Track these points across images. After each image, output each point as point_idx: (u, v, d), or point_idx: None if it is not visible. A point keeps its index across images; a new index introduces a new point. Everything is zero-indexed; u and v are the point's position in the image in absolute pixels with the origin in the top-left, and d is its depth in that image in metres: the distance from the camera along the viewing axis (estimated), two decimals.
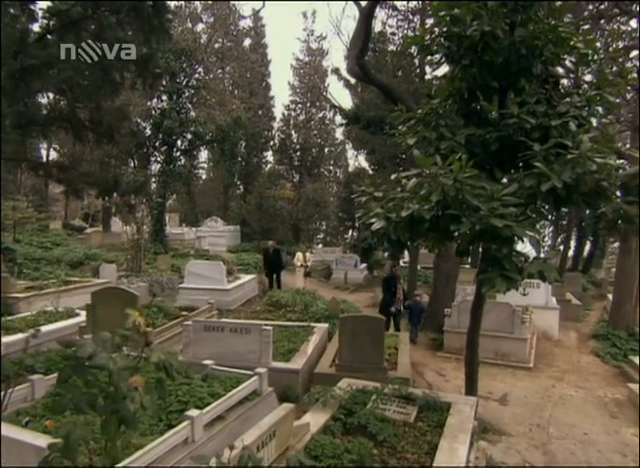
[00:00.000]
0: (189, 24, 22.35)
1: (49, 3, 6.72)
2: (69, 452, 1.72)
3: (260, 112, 34.99)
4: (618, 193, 5.32)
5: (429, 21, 6.70)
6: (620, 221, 5.02)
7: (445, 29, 6.17)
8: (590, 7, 15.19)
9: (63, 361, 6.80)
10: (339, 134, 35.70)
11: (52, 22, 6.43)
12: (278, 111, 37.05)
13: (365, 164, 31.77)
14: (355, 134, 24.78)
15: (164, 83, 18.43)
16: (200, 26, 23.18)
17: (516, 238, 4.78)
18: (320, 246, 34.55)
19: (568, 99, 6.16)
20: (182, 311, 11.08)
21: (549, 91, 6.24)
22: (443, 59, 6.51)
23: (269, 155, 37.71)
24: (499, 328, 10.81)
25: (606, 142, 5.91)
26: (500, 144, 5.93)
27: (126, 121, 8.39)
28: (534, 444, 6.96)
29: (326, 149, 38.50)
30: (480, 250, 5.84)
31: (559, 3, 6.04)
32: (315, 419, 5.43)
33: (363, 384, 6.33)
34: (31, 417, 4.93)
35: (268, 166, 38.04)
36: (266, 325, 8.15)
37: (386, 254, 24.68)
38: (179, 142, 20.39)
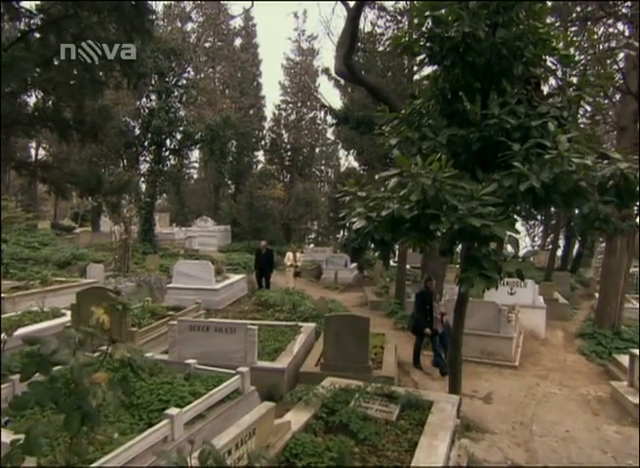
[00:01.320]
0: (179, 24, 22.30)
1: (31, 3, 6.71)
2: (30, 449, 1.73)
3: (250, 112, 34.97)
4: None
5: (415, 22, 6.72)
6: (596, 221, 5.07)
7: (427, 30, 6.23)
8: (578, 9, 15.33)
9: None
10: (330, 134, 35.75)
11: (32, 21, 6.41)
12: (269, 111, 37.13)
13: (356, 164, 31.86)
14: (345, 134, 24.84)
15: (153, 82, 18.40)
16: (190, 26, 23.20)
17: (496, 237, 4.82)
18: (312, 246, 34.58)
19: (551, 100, 6.25)
20: (170, 311, 11.07)
21: (530, 91, 6.31)
22: (426, 60, 6.59)
23: (260, 155, 37.75)
24: (485, 327, 10.87)
25: (588, 142, 6.00)
26: (481, 144, 5.99)
27: (110, 120, 8.37)
28: (516, 441, 7.02)
29: (317, 149, 38.57)
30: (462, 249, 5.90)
31: (540, 5, 6.07)
32: (297, 418, 5.45)
33: (346, 383, 6.36)
34: (11, 417, 4.92)
35: (259, 165, 38.07)
36: (252, 324, 8.17)
37: (376, 254, 24.73)
38: (168, 142, 20.35)
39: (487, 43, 5.85)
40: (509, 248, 5.91)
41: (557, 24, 17.99)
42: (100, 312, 2.06)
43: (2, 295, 10.57)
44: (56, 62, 6.27)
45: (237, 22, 36.91)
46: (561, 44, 6.47)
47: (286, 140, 34.84)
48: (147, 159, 20.69)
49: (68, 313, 9.49)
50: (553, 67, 6.75)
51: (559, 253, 30.11)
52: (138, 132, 19.87)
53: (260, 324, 10.88)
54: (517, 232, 4.98)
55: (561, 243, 30.42)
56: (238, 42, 36.81)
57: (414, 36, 6.38)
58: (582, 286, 23.87)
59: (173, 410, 4.41)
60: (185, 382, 5.36)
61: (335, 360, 7.93)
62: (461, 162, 6.28)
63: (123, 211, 14.64)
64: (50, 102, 7.34)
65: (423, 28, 6.29)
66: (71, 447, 1.93)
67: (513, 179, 5.12)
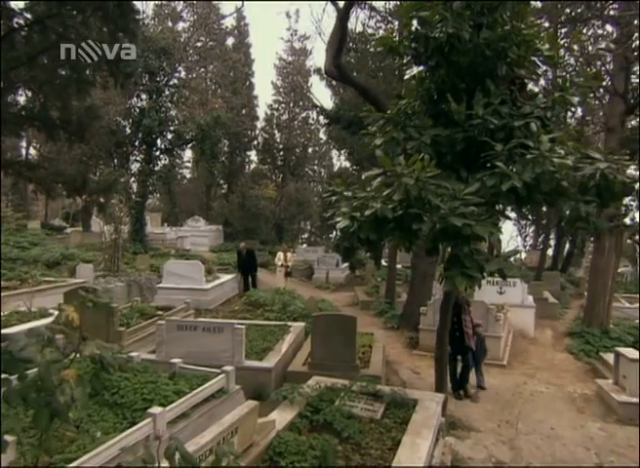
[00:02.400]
0: (169, 23, 22.25)
1: (16, 2, 6.69)
2: None
3: (243, 111, 34.91)
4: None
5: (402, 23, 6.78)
6: (577, 220, 5.13)
7: (412, 31, 6.27)
8: (568, 10, 15.43)
9: None
10: (322, 134, 35.76)
11: (16, 20, 6.40)
12: (262, 111, 37.07)
13: (348, 164, 31.88)
14: (336, 134, 24.87)
15: (143, 82, 18.35)
16: (181, 25, 23.17)
17: (478, 236, 4.86)
18: (304, 245, 34.59)
19: (536, 101, 6.30)
20: (159, 310, 11.06)
21: (515, 92, 6.36)
22: (412, 61, 6.63)
23: (253, 155, 37.71)
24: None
25: (571, 143, 6.07)
26: (466, 144, 6.03)
27: (97, 120, 8.36)
28: (501, 439, 7.07)
29: (310, 149, 38.56)
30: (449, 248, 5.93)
31: (523, 5, 6.12)
32: (281, 416, 5.48)
33: (331, 382, 6.40)
34: None
35: (252, 165, 38.05)
36: (239, 324, 8.18)
37: (367, 254, 24.79)
38: (159, 141, 20.30)
39: (471, 44, 5.90)
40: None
41: (547, 26, 18.13)
42: (70, 310, 2.07)
43: None
44: (42, 61, 6.25)
45: (229, 22, 36.91)
46: (546, 45, 6.51)
47: (278, 140, 34.82)
48: (138, 159, 20.65)
49: (56, 313, 9.45)
50: (541, 68, 6.81)
51: (550, 252, 30.35)
52: (128, 131, 19.81)
53: (249, 323, 10.92)
54: (499, 231, 5.02)
55: (553, 243, 30.63)
56: (230, 41, 36.79)
57: (399, 37, 6.43)
58: (573, 285, 24.03)
59: (155, 409, 4.42)
60: (170, 381, 5.37)
61: (322, 359, 7.95)
62: (447, 162, 6.33)
63: (114, 210, 14.60)
64: (37, 102, 7.32)
65: (409, 29, 6.34)
66: (40, 443, 1.94)
67: (496, 179, 5.17)
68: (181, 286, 13.89)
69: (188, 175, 42.22)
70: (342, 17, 10.41)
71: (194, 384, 5.36)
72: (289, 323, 10.79)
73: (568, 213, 5.11)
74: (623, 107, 13.44)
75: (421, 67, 6.54)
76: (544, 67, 7.03)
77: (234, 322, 8.46)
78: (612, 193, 5.04)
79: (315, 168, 41.49)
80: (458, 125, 6.17)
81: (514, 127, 5.75)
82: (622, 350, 8.63)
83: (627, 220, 18.12)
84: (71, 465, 3.31)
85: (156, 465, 1.86)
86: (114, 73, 7.14)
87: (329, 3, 12.74)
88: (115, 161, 20.38)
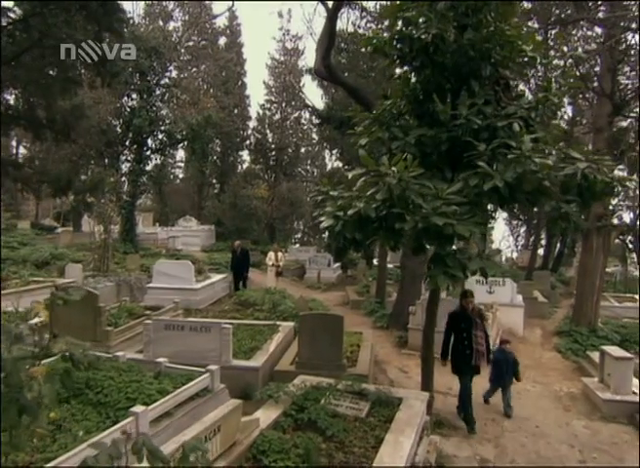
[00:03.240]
0: (160, 23, 22.20)
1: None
2: None
3: (235, 111, 34.88)
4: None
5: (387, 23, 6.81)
6: (559, 220, 5.18)
7: (397, 31, 6.31)
8: (557, 11, 15.54)
9: None
10: (315, 134, 35.75)
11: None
12: (254, 111, 37.04)
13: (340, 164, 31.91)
14: (327, 133, 24.90)
15: (134, 81, 18.29)
16: (172, 25, 23.13)
17: (459, 235, 4.89)
18: (297, 245, 34.58)
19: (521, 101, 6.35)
20: (148, 310, 11.05)
21: (499, 92, 6.41)
22: (397, 61, 6.67)
23: (245, 154, 37.66)
24: None
25: (555, 143, 6.13)
26: (450, 144, 6.08)
27: (84, 119, 8.34)
28: (487, 437, 7.11)
29: (303, 149, 38.56)
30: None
31: (505, 7, 6.16)
32: (266, 415, 5.50)
33: (317, 381, 6.42)
34: None
35: (244, 165, 38.00)
36: (227, 323, 8.18)
37: (359, 254, 24.83)
38: (149, 141, 20.25)
39: (455, 44, 5.95)
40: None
41: (537, 27, 18.26)
42: (40, 307, 2.08)
43: None
44: (25, 60, 6.22)
45: (222, 21, 36.87)
46: (530, 46, 6.56)
47: (270, 140, 34.80)
48: (129, 158, 20.58)
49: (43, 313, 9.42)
50: (531, 69, 6.86)
51: (542, 252, 30.53)
52: (119, 131, 19.73)
53: (238, 323, 10.93)
54: (482, 231, 5.06)
55: (545, 243, 30.80)
56: (222, 41, 36.73)
57: (386, 37, 6.46)
58: (563, 284, 24.15)
59: (138, 408, 4.42)
60: (154, 380, 5.37)
61: (309, 358, 7.97)
62: (432, 161, 6.38)
63: (104, 210, 14.55)
64: (22, 101, 7.29)
65: (394, 30, 6.38)
66: (10, 439, 1.95)
67: (479, 179, 5.21)
68: (171, 285, 13.87)
69: (181, 175, 42.18)
70: (331, 17, 10.44)
71: (179, 383, 5.37)
72: (278, 322, 10.80)
73: (549, 212, 5.16)
74: (610, 108, 13.55)
75: (407, 68, 6.55)
76: (535, 68, 7.08)
77: (221, 321, 8.47)
78: (593, 193, 5.10)
79: (308, 168, 41.49)
80: (442, 125, 6.21)
81: (498, 127, 5.81)
82: (607, 348, 8.71)
83: (615, 220, 18.32)
84: (49, 465, 3.32)
85: (123, 461, 1.88)
86: (101, 73, 7.14)
87: (319, 3, 12.78)
88: (106, 160, 20.29)
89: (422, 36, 5.83)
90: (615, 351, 8.43)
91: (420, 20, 6.06)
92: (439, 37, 5.81)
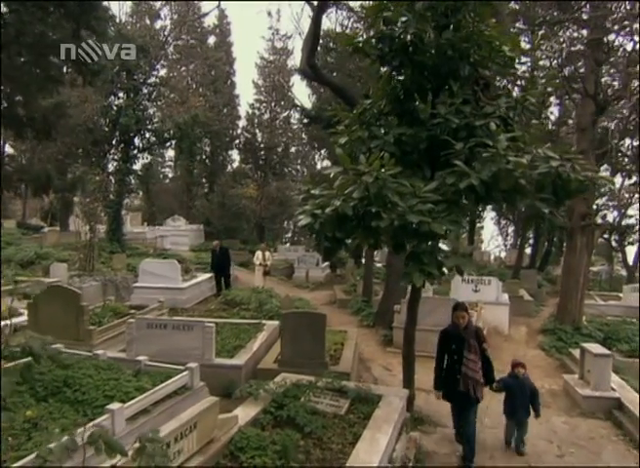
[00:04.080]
0: (147, 21, 22.13)
1: None
2: None
3: (224, 110, 34.84)
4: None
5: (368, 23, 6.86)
6: (534, 218, 5.24)
7: (377, 31, 6.35)
8: (542, 12, 15.67)
9: None
10: (304, 133, 35.73)
11: None
12: (244, 110, 36.97)
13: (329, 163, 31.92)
14: (316, 133, 24.92)
15: (121, 80, 18.20)
16: (159, 23, 23.05)
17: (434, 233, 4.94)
18: (288, 245, 34.58)
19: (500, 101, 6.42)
20: (133, 309, 11.03)
21: (478, 92, 6.47)
22: (377, 61, 6.71)
23: (235, 154, 37.59)
24: (445, 323, 11.00)
25: (535, 142, 6.19)
26: (429, 143, 6.13)
27: (64, 118, 8.30)
28: None
29: (293, 148, 38.55)
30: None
31: (482, 7, 6.22)
32: (245, 412, 5.53)
33: (297, 378, 6.45)
34: None
35: (234, 164, 37.93)
36: (209, 321, 8.20)
37: (347, 254, 24.89)
38: (136, 140, 20.18)
39: (433, 44, 6.00)
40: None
41: (525, 28, 18.42)
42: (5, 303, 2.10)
43: None
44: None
45: (211, 20, 36.81)
46: (509, 46, 6.62)
47: (260, 139, 34.77)
48: (115, 157, 20.50)
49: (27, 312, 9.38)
50: (508, 69, 6.91)
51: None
52: (106, 129, 19.62)
53: (223, 322, 10.94)
54: (457, 229, 5.11)
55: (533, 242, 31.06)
56: (212, 40, 36.65)
57: (365, 37, 6.51)
58: (550, 283, 24.32)
59: (114, 405, 4.43)
60: (133, 378, 5.38)
61: (292, 356, 8.00)
62: (412, 160, 6.44)
63: (88, 209, 14.50)
64: (1, 98, 7.25)
65: (374, 29, 6.43)
66: None
67: (456, 177, 5.27)
68: (157, 285, 13.84)
69: (171, 175, 42.02)
70: (316, 17, 10.47)
71: (157, 381, 5.38)
72: (263, 321, 10.82)
73: (525, 210, 5.22)
74: (594, 108, 13.69)
75: (387, 67, 6.60)
76: (514, 68, 7.11)
77: (204, 320, 8.48)
78: (567, 191, 5.17)
79: (298, 167, 41.48)
80: (422, 124, 6.27)
81: (476, 126, 5.86)
82: (587, 346, 8.81)
83: (599, 219, 18.51)
84: (16, 464, 3.33)
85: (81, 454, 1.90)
86: (82, 71, 7.12)
87: (306, 3, 12.82)
88: (92, 159, 20.16)
89: (401, 36, 5.88)
90: (594, 348, 8.53)
91: (401, 20, 6.11)
92: (418, 37, 5.86)
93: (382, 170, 4.94)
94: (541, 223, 5.72)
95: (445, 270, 5.10)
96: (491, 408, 8.26)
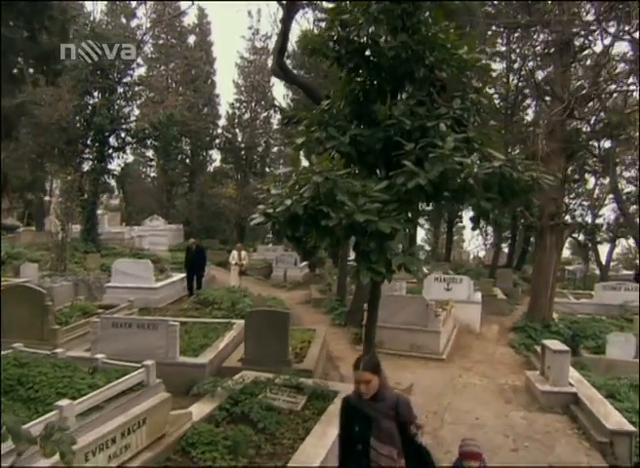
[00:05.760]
0: (123, 20, 21.99)
1: None
2: None
3: (205, 110, 34.72)
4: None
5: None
6: (481, 217, 5.39)
7: (335, 33, 6.46)
8: (512, 13, 15.94)
9: None
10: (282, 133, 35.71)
11: None
12: (224, 110, 36.84)
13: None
14: (293, 133, 24.94)
15: (94, 79, 18.05)
16: (135, 22, 22.91)
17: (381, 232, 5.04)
18: (270, 244, 34.56)
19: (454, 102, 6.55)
20: (102, 309, 11.01)
21: (433, 93, 6.60)
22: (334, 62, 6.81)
23: (216, 153, 37.43)
24: (414, 321, 11.21)
25: (489, 143, 6.34)
26: (384, 144, 6.25)
27: (26, 117, 8.25)
28: (427, 430, 7.27)
29: (275, 148, 38.51)
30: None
31: (434, 10, 6.36)
32: (200, 409, 5.61)
33: (255, 375, 6.54)
34: None
35: (215, 164, 37.79)
36: (174, 320, 8.26)
37: (326, 253, 25.03)
38: (111, 139, 20.06)
39: (386, 47, 6.12)
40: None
41: (500, 30, 18.69)
42: None
43: None
44: None
45: (191, 19, 36.65)
46: (465, 48, 6.75)
47: (240, 139, 34.70)
48: (89, 157, 20.33)
49: None
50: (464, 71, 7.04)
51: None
52: (80, 129, 19.45)
53: (193, 321, 11.00)
54: (404, 228, 5.24)
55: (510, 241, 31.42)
56: (192, 39, 36.48)
57: (323, 38, 6.60)
58: (526, 282, 24.63)
59: (63, 402, 4.47)
60: (88, 376, 5.42)
61: (255, 354, 8.08)
62: (368, 161, 6.56)
63: (60, 208, 14.43)
64: None
65: (332, 31, 6.53)
66: None
67: (405, 177, 5.39)
68: (130, 284, 13.81)
69: (153, 174, 41.71)
70: (284, 18, 10.54)
71: (112, 378, 5.42)
72: (233, 320, 10.87)
73: (472, 209, 5.37)
74: (562, 110, 13.94)
75: (341, 68, 6.70)
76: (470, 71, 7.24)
77: (169, 319, 8.53)
78: (512, 191, 5.32)
79: (281, 167, 41.39)
80: (379, 125, 6.39)
81: (428, 127, 5.99)
82: (547, 342, 9.01)
83: (568, 218, 18.83)
84: None
85: None
86: (44, 71, 7.09)
87: (277, 3, 12.88)
88: (66, 159, 19.93)
89: (355, 38, 5.99)
90: (553, 345, 8.73)
91: (355, 22, 6.22)
92: (372, 39, 5.98)
93: (332, 170, 5.04)
94: (487, 222, 5.86)
95: (394, 268, 5.20)
96: (452, 404, 8.46)
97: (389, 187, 5.47)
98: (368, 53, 6.36)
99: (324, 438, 4.92)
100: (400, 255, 5.11)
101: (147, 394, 5.40)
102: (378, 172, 6.66)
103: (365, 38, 6.15)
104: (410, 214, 5.74)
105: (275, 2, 13.86)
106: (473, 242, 50.13)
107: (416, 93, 6.43)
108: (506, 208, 5.79)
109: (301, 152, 6.10)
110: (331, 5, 6.64)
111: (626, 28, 12.41)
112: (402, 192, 5.48)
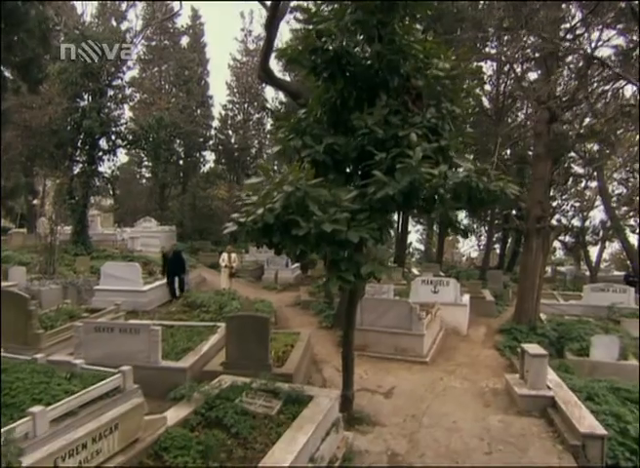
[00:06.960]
0: (113, 22, 22.02)
1: None
2: None
3: (198, 111, 34.79)
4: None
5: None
6: (449, 225, 5.50)
7: (310, 42, 6.56)
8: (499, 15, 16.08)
9: None
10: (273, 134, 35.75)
11: None
12: (218, 111, 36.90)
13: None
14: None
15: (84, 82, 18.09)
16: (125, 25, 22.94)
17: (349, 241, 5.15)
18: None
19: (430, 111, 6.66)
20: (89, 312, 11.08)
21: (408, 102, 6.71)
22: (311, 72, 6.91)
23: (209, 155, 37.49)
24: (398, 324, 11.31)
25: (461, 153, 6.46)
26: (358, 153, 6.35)
27: (8, 124, 8.33)
28: (403, 433, 7.41)
29: (269, 150, 38.58)
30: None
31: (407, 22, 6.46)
32: (175, 414, 5.70)
33: (233, 380, 6.63)
34: None
35: (208, 165, 37.85)
36: (155, 324, 8.34)
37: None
38: (101, 142, 20.11)
39: (361, 56, 6.23)
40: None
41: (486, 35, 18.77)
42: None
43: None
44: None
45: (184, 21, 36.67)
46: (440, 58, 6.85)
47: (233, 141, 34.78)
48: (79, 159, 20.37)
49: None
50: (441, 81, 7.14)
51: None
52: (70, 131, 19.47)
53: (178, 324, 11.07)
54: (376, 236, 5.34)
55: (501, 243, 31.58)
56: (185, 41, 36.54)
57: (299, 48, 6.69)
58: (516, 283, 24.77)
59: (36, 408, 4.55)
60: (64, 381, 5.49)
61: (237, 358, 8.17)
62: (343, 169, 6.67)
63: (46, 211, 14.49)
64: None
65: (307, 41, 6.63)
66: None
67: (376, 187, 5.50)
68: (119, 287, 13.86)
69: (147, 175, 41.70)
70: (268, 23, 10.63)
71: (89, 383, 5.50)
72: (218, 323, 10.93)
73: (440, 217, 5.48)
74: (548, 115, 14.10)
75: (317, 78, 6.80)
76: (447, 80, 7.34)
77: (149, 323, 8.61)
78: (480, 200, 5.44)
79: (275, 168, 41.45)
80: (353, 134, 6.49)
81: (401, 137, 6.09)
82: (527, 346, 9.12)
83: (554, 221, 18.97)
84: None
85: None
86: (24, 78, 7.17)
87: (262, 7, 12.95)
88: (56, 162, 19.97)
89: (329, 48, 6.10)
90: (532, 348, 8.83)
91: (331, 32, 6.32)
92: (344, 50, 6.08)
93: (304, 179, 5.14)
94: (454, 230, 5.99)
95: (363, 275, 5.31)
96: (431, 407, 8.55)
97: (361, 196, 5.58)
98: (343, 62, 6.47)
99: (293, 443, 5.01)
100: (369, 263, 5.22)
101: (122, 399, 5.48)
102: (353, 180, 6.76)
103: (336, 48, 6.25)
104: (381, 223, 5.83)
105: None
106: (467, 243, 50.30)
107: (391, 102, 6.52)
108: (476, 216, 5.89)
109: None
110: (304, 15, 6.68)
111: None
112: (373, 201, 5.59)
